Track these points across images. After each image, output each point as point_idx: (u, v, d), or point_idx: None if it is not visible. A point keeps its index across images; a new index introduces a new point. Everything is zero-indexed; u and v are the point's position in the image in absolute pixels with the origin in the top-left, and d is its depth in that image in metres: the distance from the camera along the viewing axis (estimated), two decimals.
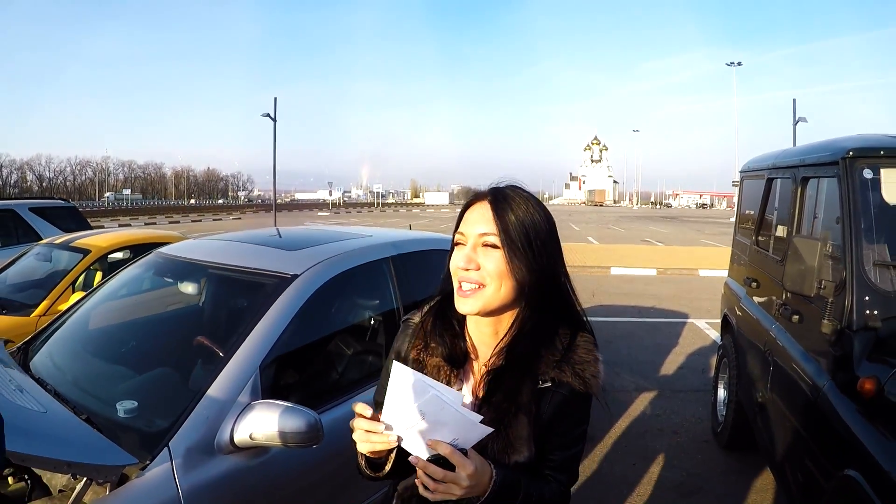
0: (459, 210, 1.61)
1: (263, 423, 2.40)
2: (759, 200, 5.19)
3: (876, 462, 2.55)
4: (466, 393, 1.58)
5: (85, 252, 6.56)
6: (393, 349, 1.72)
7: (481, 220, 1.51)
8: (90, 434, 2.38)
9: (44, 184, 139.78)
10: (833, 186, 3.58)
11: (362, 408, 1.40)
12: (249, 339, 2.72)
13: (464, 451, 1.35)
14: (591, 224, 48.11)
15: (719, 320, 6.54)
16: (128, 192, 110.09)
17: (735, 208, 5.84)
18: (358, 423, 1.40)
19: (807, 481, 3.25)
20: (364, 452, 1.47)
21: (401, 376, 1.33)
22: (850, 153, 3.38)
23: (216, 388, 2.55)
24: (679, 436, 5.90)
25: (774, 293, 4.43)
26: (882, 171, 3.34)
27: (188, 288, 3.71)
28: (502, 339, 1.58)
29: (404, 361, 1.59)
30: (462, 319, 1.63)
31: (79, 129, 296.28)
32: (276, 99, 36.10)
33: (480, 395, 1.55)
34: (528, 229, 1.50)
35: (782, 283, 3.67)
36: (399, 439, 1.37)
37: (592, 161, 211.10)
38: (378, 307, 3.64)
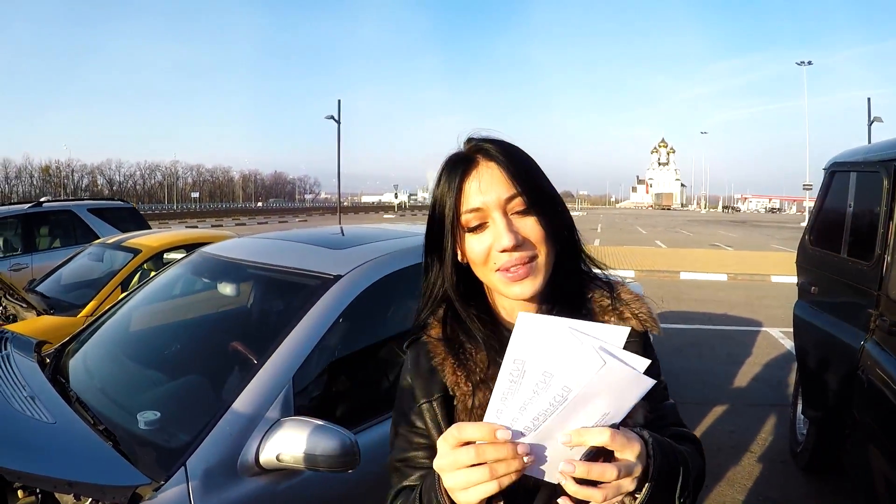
0: (439, 195, 1.28)
1: (292, 443, 2.12)
2: (845, 199, 4.69)
3: None
4: None
5: (136, 252, 6.50)
6: (406, 385, 1.33)
7: (493, 183, 1.22)
8: (102, 449, 2.15)
9: (114, 187, 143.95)
10: None
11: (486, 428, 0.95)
12: (282, 346, 2.45)
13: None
14: (659, 228, 47.26)
15: None
16: (196, 195, 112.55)
17: (815, 209, 5.33)
18: (471, 432, 0.96)
19: None
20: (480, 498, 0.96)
21: (532, 334, 0.94)
22: None
23: (243, 401, 2.28)
24: (754, 455, 5.52)
25: (865, 302, 3.96)
26: None
27: (227, 289, 3.46)
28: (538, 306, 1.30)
29: (437, 379, 1.26)
30: (484, 305, 1.35)
31: (149, 134, 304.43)
32: (339, 101, 36.71)
33: None
34: (541, 178, 1.28)
35: (883, 291, 3.24)
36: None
37: (660, 164, 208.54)
38: None
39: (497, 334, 1.29)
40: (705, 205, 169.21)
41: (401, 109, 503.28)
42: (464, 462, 0.95)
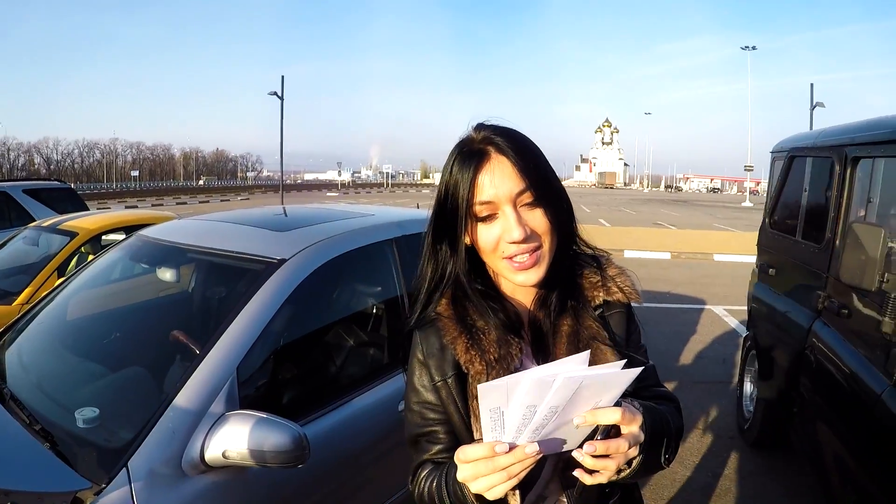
0: (451, 185, 1.31)
1: (238, 439, 2.05)
2: (796, 182, 4.79)
3: None
4: (528, 358, 1.37)
5: (73, 235, 6.31)
6: (418, 362, 1.40)
7: (504, 177, 1.27)
8: (38, 451, 2.07)
9: (51, 166, 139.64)
10: (892, 167, 3.22)
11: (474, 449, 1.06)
12: (225, 336, 2.34)
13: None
14: (602, 206, 47.64)
15: (737, 307, 6.19)
16: (135, 173, 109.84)
17: (774, 192, 5.43)
18: (475, 453, 1.06)
19: (862, 500, 2.91)
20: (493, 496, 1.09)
21: (497, 394, 0.99)
22: None
23: (185, 396, 2.17)
24: (703, 432, 5.59)
25: (815, 284, 4.06)
26: None
27: (166, 275, 3.30)
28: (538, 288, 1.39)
29: (449, 357, 1.34)
30: (492, 286, 1.42)
31: (86, 111, 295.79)
32: (283, 77, 36.26)
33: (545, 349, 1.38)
34: (548, 170, 1.34)
35: (832, 274, 3.32)
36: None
37: (603, 143, 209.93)
38: (380, 295, 3.26)
39: (504, 312, 1.37)
40: (648, 184, 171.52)
41: (345, 85, 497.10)
42: (482, 472, 1.05)
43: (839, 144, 3.97)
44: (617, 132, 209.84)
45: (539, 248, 1.30)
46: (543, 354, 1.36)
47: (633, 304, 1.48)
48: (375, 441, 2.74)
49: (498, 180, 1.26)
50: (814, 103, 35.09)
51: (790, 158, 5.08)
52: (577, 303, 1.40)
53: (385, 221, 3.36)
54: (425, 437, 1.38)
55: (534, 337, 1.39)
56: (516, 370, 1.25)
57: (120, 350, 3.03)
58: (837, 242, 3.72)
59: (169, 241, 3.19)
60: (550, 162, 1.35)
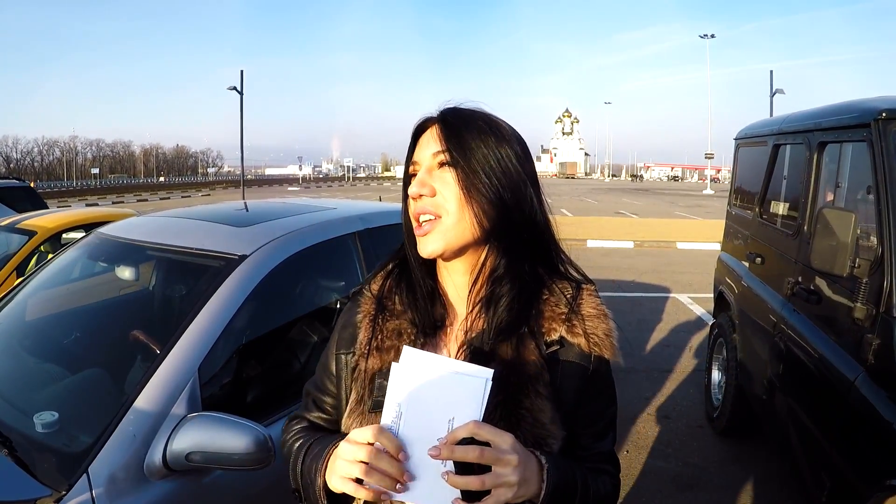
0: (409, 144, 1.34)
1: (201, 442, 1.97)
2: (763, 169, 4.79)
3: None
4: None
5: (31, 234, 6.17)
6: (336, 326, 1.41)
7: (431, 142, 1.26)
8: None
9: (11, 165, 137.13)
10: (860, 152, 3.20)
11: (374, 434, 1.04)
12: (185, 335, 2.26)
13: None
14: (564, 196, 47.82)
15: (703, 295, 6.21)
16: (96, 170, 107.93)
17: (730, 178, 5.45)
18: (354, 454, 1.04)
19: (835, 486, 2.90)
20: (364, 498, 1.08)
21: (412, 367, 1.03)
22: (884, 115, 3.00)
23: (146, 398, 2.10)
24: (672, 421, 5.60)
25: (786, 271, 4.05)
26: None
27: (126, 273, 3.21)
28: (479, 289, 1.27)
29: (354, 334, 1.33)
30: (433, 276, 1.34)
31: (45, 109, 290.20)
32: (242, 72, 35.72)
33: None
34: (489, 149, 1.24)
35: (803, 260, 3.30)
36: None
37: (564, 133, 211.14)
38: (343, 290, 3.16)
39: (426, 304, 1.30)
40: (609, 173, 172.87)
41: (305, 79, 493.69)
42: (349, 455, 1.04)
43: (805, 130, 3.96)
44: (577, 122, 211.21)
45: (439, 218, 1.23)
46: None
47: (604, 361, 1.26)
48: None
49: (425, 141, 1.28)
50: (773, 90, 35.51)
51: (746, 144, 5.09)
52: (524, 330, 1.22)
53: (348, 215, 3.29)
54: (314, 399, 1.42)
55: (440, 349, 1.29)
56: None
57: (80, 351, 2.94)
58: (807, 228, 3.71)
59: (128, 239, 3.09)
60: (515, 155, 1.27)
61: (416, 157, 1.29)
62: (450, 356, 1.24)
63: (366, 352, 1.27)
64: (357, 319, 1.33)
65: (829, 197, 3.76)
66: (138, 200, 42.74)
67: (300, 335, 2.93)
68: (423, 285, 1.31)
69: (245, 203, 3.74)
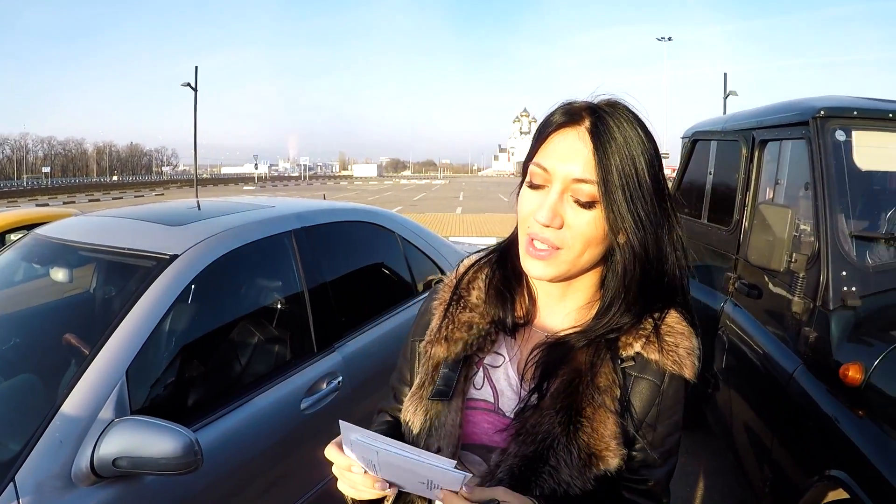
0: (537, 128, 1.20)
1: (128, 446, 1.94)
2: (707, 167, 4.85)
3: (870, 463, 2.23)
4: (509, 369, 1.22)
5: None
6: (417, 314, 1.38)
7: (575, 156, 1.09)
8: None
9: None
10: (799, 149, 3.28)
11: (333, 453, 1.09)
12: (113, 338, 2.22)
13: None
14: None
15: None
16: (47, 169, 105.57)
17: (677, 176, 5.51)
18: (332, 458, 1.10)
19: (777, 478, 2.95)
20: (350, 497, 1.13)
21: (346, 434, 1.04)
22: (822, 112, 3.07)
23: (72, 403, 2.06)
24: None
25: (725, 266, 4.12)
26: (854, 133, 3.05)
27: (59, 274, 3.14)
28: (571, 302, 1.22)
29: (429, 321, 1.29)
30: (523, 274, 1.24)
31: None
32: (196, 68, 35.14)
33: (532, 372, 1.16)
34: (640, 177, 1.09)
35: (741, 255, 3.36)
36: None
37: (522, 133, 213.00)
38: (279, 290, 3.17)
39: (506, 301, 1.24)
40: None
41: (263, 77, 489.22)
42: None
43: (748, 128, 4.04)
44: (535, 122, 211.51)
45: (559, 250, 1.11)
46: (517, 375, 1.21)
47: (685, 380, 1.16)
48: (279, 441, 2.66)
49: (565, 151, 1.11)
50: (727, 92, 36.01)
51: (693, 142, 5.16)
52: (602, 342, 1.15)
53: (284, 213, 3.27)
54: (394, 391, 1.39)
55: (513, 348, 1.25)
56: (464, 358, 1.22)
57: (13, 357, 2.86)
58: (746, 224, 3.78)
59: (63, 240, 3.02)
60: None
61: (548, 163, 1.12)
62: (521, 355, 1.21)
63: (434, 339, 1.24)
64: (433, 307, 1.30)
65: (770, 194, 3.83)
66: (90, 200, 42.03)
67: (236, 335, 2.90)
68: (513, 280, 1.27)
69: (184, 202, 3.70)
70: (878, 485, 2.15)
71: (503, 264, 1.28)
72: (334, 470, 1.09)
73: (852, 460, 2.33)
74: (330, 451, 1.09)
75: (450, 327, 1.23)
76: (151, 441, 1.92)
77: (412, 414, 1.20)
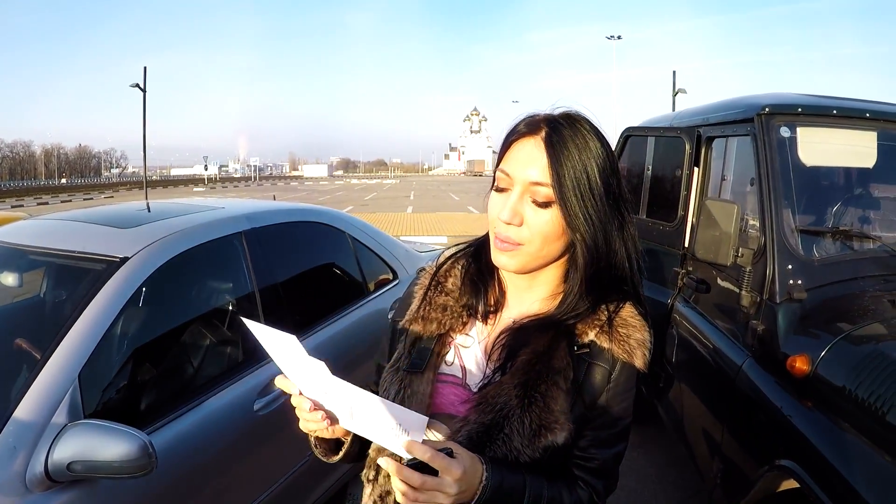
0: (503, 138, 1.32)
1: (82, 450, 1.94)
2: (651, 164, 4.91)
3: (818, 452, 2.28)
4: (477, 350, 1.35)
5: None
6: (403, 297, 1.51)
7: (533, 162, 1.23)
8: None
9: None
10: (744, 146, 3.33)
11: (281, 382, 1.30)
12: (65, 342, 2.20)
13: (448, 452, 1.08)
14: (471, 194, 48.04)
15: None
16: None
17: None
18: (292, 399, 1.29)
19: (728, 469, 2.99)
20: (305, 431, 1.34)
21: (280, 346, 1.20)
22: (767, 109, 3.14)
23: (25, 408, 2.04)
24: None
25: (675, 262, 4.17)
26: (799, 129, 3.12)
27: (8, 279, 3.08)
28: (536, 293, 1.36)
29: (410, 303, 1.43)
30: (495, 268, 1.39)
31: None
32: (145, 68, 34.60)
33: (498, 353, 1.29)
34: (591, 181, 1.22)
35: (688, 251, 3.40)
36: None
37: (472, 132, 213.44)
38: (230, 292, 3.16)
39: (479, 291, 1.38)
40: None
41: (212, 77, 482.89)
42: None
43: (692, 126, 4.09)
44: (485, 120, 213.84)
45: (521, 246, 1.24)
46: (483, 354, 1.34)
47: (636, 369, 1.26)
48: (233, 441, 2.67)
49: (524, 158, 1.24)
50: (676, 89, 36.51)
51: (627, 138, 5.22)
52: (562, 328, 1.27)
53: (234, 215, 3.26)
54: (377, 366, 1.50)
55: (481, 330, 1.37)
56: (438, 336, 1.35)
57: None
58: (693, 220, 3.83)
59: (12, 244, 2.98)
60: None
61: (510, 168, 1.25)
62: (489, 338, 1.33)
63: (412, 318, 1.37)
64: (414, 291, 1.44)
65: (716, 190, 3.89)
66: (39, 203, 41.00)
67: (188, 337, 2.89)
68: (486, 272, 1.40)
69: (134, 204, 3.64)
70: (827, 473, 2.20)
71: (478, 258, 1.41)
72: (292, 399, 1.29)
73: (801, 450, 2.37)
74: (280, 381, 1.29)
75: (427, 308, 1.37)
76: (105, 445, 1.92)
77: (389, 384, 1.33)
